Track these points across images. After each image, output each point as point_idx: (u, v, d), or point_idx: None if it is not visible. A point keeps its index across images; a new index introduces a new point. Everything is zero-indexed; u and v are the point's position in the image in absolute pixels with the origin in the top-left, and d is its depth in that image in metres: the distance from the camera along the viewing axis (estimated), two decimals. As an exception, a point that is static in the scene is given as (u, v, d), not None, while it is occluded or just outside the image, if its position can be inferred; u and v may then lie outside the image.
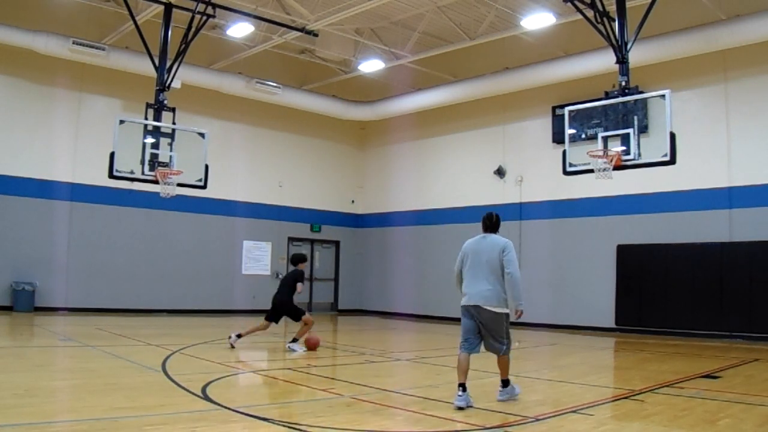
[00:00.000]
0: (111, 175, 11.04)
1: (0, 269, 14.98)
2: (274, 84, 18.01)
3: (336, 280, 21.71)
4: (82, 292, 16.00)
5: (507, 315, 6.15)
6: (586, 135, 10.27)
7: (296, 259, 10.94)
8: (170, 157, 11.50)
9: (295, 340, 10.45)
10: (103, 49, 15.08)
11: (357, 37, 16.72)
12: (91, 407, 5.45)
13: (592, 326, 15.39)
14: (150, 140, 11.43)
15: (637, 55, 11.22)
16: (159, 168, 11.30)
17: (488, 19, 14.75)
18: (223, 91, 17.49)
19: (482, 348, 6.23)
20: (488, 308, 6.06)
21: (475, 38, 15.26)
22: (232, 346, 10.11)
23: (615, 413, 6.07)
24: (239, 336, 10.24)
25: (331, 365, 9.66)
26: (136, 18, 12.61)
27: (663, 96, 9.25)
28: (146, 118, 11.60)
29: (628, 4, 10.52)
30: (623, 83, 9.87)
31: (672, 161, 9.18)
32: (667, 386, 7.32)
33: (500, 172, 17.96)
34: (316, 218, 20.96)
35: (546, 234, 16.38)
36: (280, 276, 19.87)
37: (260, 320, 10.62)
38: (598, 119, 10.05)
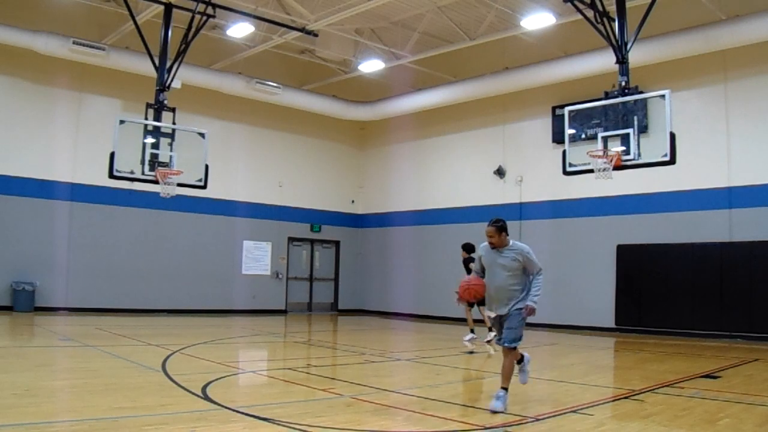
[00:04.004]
0: (111, 175, 11.06)
1: (0, 269, 14.99)
2: (274, 84, 18.00)
3: (336, 280, 21.70)
4: (82, 292, 16.00)
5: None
6: (586, 135, 10.27)
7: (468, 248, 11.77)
8: (170, 157, 11.52)
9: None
10: (103, 49, 15.07)
11: (357, 37, 16.72)
12: (92, 407, 5.46)
13: (592, 326, 15.39)
14: (150, 140, 11.45)
15: (637, 55, 11.22)
16: (159, 168, 11.31)
17: (488, 19, 14.74)
18: (223, 91, 17.48)
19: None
20: None
21: (475, 38, 15.26)
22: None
23: (615, 413, 6.07)
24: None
25: (331, 365, 9.67)
26: (136, 18, 12.61)
27: (663, 96, 9.26)
28: (146, 118, 11.62)
29: (628, 4, 10.52)
30: (623, 83, 9.87)
31: (672, 161, 9.18)
32: (667, 386, 7.32)
33: (500, 172, 17.96)
34: (316, 218, 20.96)
35: (546, 234, 16.35)
36: (280, 276, 19.91)
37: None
38: (598, 119, 10.05)
